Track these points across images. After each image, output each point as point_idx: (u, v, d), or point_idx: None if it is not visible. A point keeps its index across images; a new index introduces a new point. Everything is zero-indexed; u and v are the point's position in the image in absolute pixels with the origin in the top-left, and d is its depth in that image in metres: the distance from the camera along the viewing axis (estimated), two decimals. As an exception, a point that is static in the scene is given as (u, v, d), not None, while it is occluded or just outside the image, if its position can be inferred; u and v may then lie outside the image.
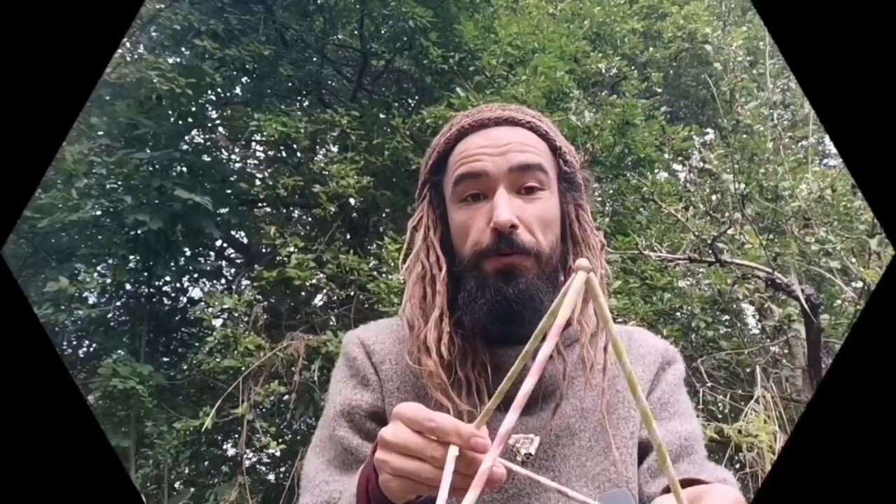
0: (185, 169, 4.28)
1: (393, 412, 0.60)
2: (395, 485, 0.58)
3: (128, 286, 4.36)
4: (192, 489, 4.31)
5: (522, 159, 0.81)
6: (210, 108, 4.89)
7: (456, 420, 0.56)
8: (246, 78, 4.98)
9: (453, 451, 0.51)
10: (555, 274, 0.84)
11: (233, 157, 4.92)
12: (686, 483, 0.59)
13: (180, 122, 4.32)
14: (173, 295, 4.96)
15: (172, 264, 4.43)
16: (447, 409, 0.78)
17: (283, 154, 5.08)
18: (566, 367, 0.83)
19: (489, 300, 0.79)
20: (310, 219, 4.89)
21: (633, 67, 5.01)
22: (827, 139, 3.93)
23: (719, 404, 3.07)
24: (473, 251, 0.81)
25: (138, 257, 4.27)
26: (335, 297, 4.05)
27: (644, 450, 0.85)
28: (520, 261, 0.80)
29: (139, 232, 3.88)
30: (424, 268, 0.85)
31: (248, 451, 3.79)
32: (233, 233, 4.98)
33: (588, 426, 0.84)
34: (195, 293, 5.03)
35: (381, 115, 4.51)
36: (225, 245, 5.34)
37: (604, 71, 4.68)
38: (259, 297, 3.94)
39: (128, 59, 4.64)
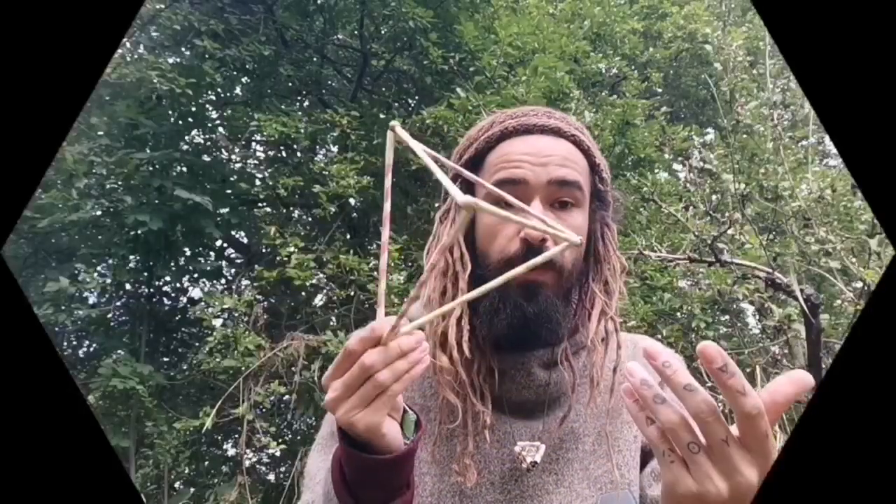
0: (185, 169, 4.28)
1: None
2: (369, 415, 0.62)
3: (128, 286, 4.36)
4: (192, 489, 4.31)
5: (562, 174, 0.81)
6: (210, 108, 4.89)
7: (365, 330, 0.63)
8: (246, 78, 4.97)
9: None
10: (570, 291, 0.85)
11: (233, 157, 4.91)
12: None
13: (180, 122, 4.32)
14: (173, 295, 4.96)
15: (172, 264, 4.43)
16: (457, 407, 0.79)
17: (283, 154, 5.08)
18: (575, 378, 0.83)
19: (509, 316, 0.79)
20: (310, 219, 4.89)
21: (633, 67, 5.02)
22: (827, 139, 3.93)
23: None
24: (500, 258, 0.81)
25: (138, 257, 4.27)
26: (335, 297, 4.05)
27: (647, 454, 0.86)
28: (543, 277, 0.80)
29: (139, 232, 3.88)
30: (448, 263, 0.84)
31: (248, 451, 3.79)
32: (233, 233, 4.98)
33: (592, 430, 0.85)
34: (195, 293, 5.04)
35: (381, 115, 4.51)
36: (225, 245, 5.34)
37: (604, 71, 4.68)
38: (259, 297, 3.94)
39: (128, 59, 4.63)
